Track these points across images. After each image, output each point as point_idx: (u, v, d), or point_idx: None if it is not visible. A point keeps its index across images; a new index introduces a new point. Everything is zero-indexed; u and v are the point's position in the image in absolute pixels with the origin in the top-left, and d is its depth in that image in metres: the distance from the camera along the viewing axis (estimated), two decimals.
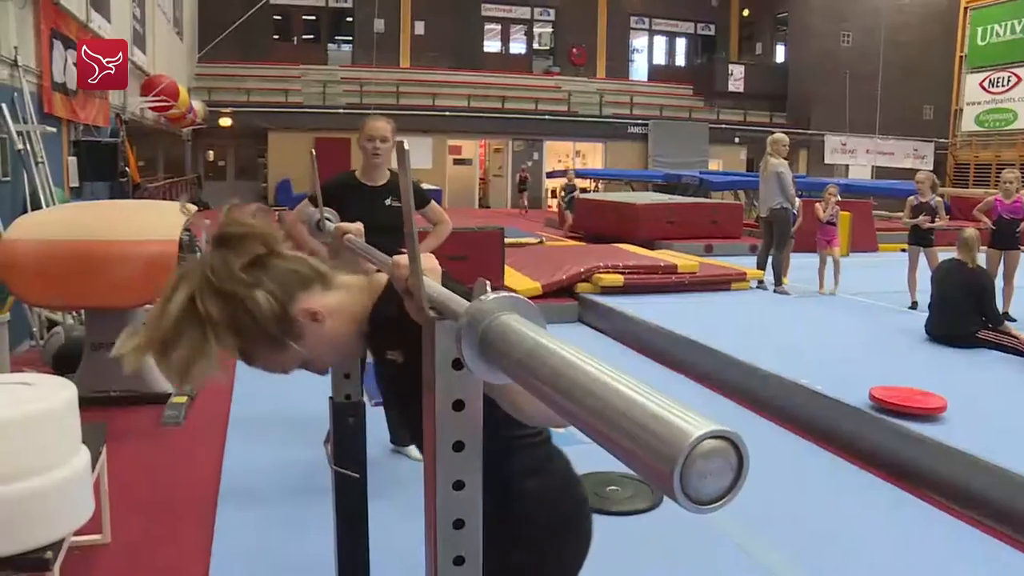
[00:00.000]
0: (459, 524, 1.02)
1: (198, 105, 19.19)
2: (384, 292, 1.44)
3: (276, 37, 26.41)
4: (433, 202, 4.48)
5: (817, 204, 9.92)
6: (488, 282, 0.96)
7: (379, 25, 25.52)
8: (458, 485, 1.01)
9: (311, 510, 3.72)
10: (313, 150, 2.16)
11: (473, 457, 1.00)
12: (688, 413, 0.62)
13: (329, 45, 27.42)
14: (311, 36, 27.28)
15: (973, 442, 4.29)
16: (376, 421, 4.52)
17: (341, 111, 22.48)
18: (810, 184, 17.85)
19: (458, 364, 0.96)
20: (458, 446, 0.99)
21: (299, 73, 24.74)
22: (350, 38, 27.00)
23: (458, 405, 0.98)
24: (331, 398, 2.02)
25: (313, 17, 27.06)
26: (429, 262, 1.20)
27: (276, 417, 5.18)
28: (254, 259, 1.36)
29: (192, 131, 21.24)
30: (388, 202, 4.17)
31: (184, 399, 5.27)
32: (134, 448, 4.57)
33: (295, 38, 26.98)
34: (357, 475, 1.95)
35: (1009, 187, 8.32)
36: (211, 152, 25.45)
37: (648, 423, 0.63)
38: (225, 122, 22.25)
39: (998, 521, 3.91)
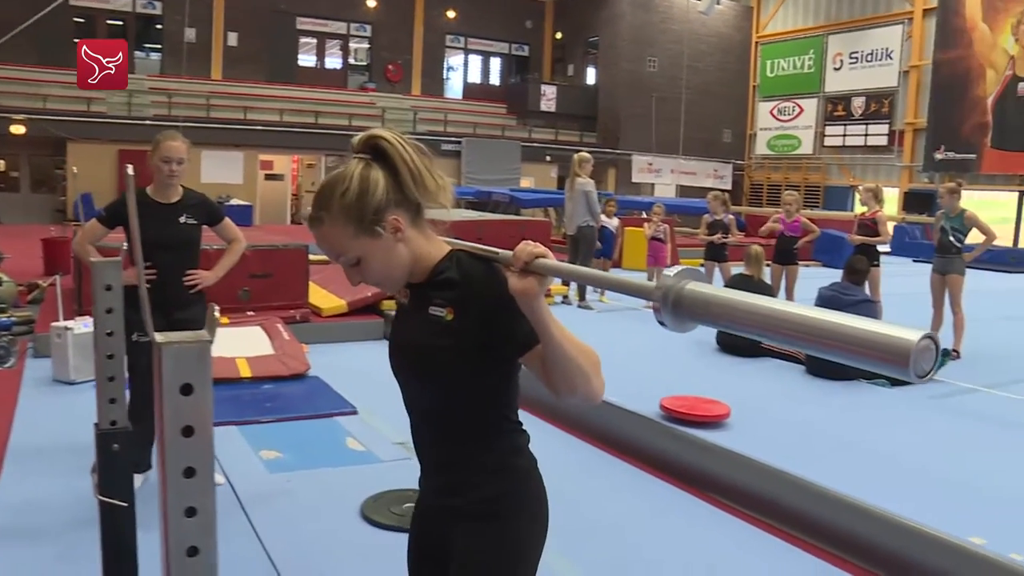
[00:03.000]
0: (193, 552, 1.01)
1: None
2: (450, 254, 1.65)
3: (77, 41, 24.89)
4: (227, 219, 4.41)
5: (645, 223, 10.51)
6: None
7: (190, 34, 24.54)
8: (190, 512, 1.00)
9: (88, 545, 3.55)
10: (131, 167, 2.04)
11: (205, 484, 0.99)
12: (894, 325, 1.00)
13: (136, 52, 26.09)
14: None
15: (752, 446, 4.59)
16: None
17: (148, 122, 21.47)
18: (619, 202, 18.55)
19: (187, 389, 0.96)
20: (189, 472, 0.98)
21: None
22: (159, 46, 25.82)
23: (187, 431, 0.98)
24: (96, 425, 1.93)
25: (119, 22, 25.66)
26: (541, 249, 1.44)
27: (61, 445, 4.88)
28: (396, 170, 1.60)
29: None
30: (183, 219, 4.12)
31: None
32: None
33: None
34: (125, 503, 1.87)
35: (789, 208, 8.97)
36: (2, 162, 23.70)
37: (877, 337, 0.99)
38: (18, 130, 20.75)
39: (776, 519, 4.19)
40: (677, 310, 1.19)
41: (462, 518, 1.70)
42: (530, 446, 1.78)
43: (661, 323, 1.22)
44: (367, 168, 1.58)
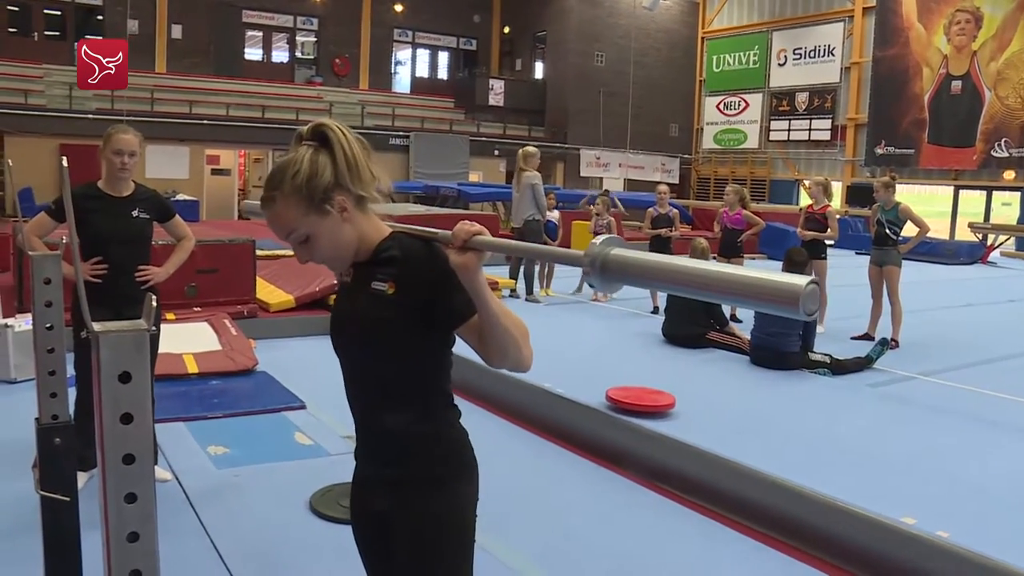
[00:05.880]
0: (133, 537, 1.04)
1: None
2: (392, 235, 1.79)
3: (13, 30, 24.29)
4: (178, 216, 4.40)
5: (593, 213, 10.82)
6: None
7: (133, 26, 24.06)
8: (130, 498, 1.02)
9: (31, 545, 3.50)
10: (64, 159, 2.01)
11: (144, 470, 1.02)
12: (779, 275, 1.21)
13: (76, 44, 25.53)
14: (56, 33, 25.28)
15: (697, 435, 4.69)
16: None
17: (90, 116, 21.06)
18: (566, 195, 18.67)
19: (125, 377, 0.99)
20: (128, 459, 1.01)
21: (41, 73, 22.94)
22: (100, 38, 25.28)
23: (126, 418, 1.00)
24: (36, 420, 1.93)
25: (58, 12, 25.10)
26: (478, 227, 1.58)
27: (2, 446, 4.81)
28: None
29: None
30: (135, 214, 4.11)
31: None
32: None
33: (36, 34, 24.93)
34: (67, 498, 1.88)
35: (732, 200, 9.13)
36: None
37: (768, 284, 1.20)
38: None
39: (718, 505, 4.29)
40: (604, 273, 1.36)
41: (403, 487, 1.80)
42: (470, 436, 1.89)
43: (590, 285, 1.48)
44: (316, 153, 1.72)
